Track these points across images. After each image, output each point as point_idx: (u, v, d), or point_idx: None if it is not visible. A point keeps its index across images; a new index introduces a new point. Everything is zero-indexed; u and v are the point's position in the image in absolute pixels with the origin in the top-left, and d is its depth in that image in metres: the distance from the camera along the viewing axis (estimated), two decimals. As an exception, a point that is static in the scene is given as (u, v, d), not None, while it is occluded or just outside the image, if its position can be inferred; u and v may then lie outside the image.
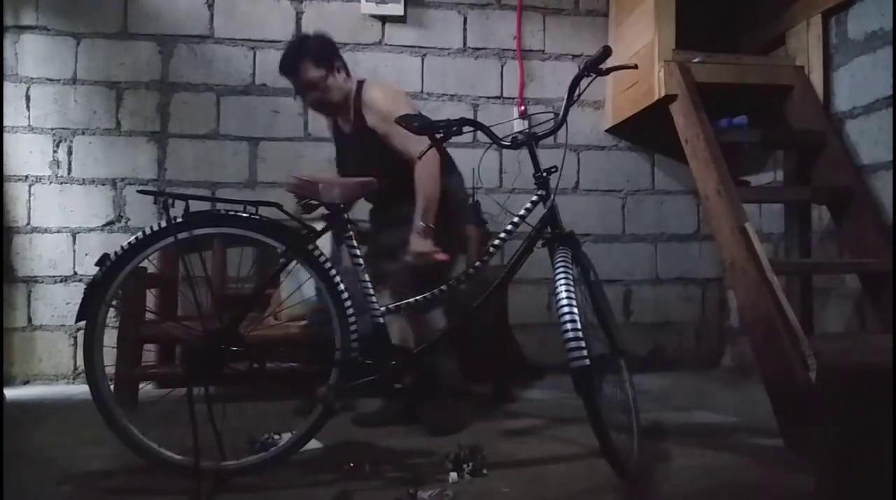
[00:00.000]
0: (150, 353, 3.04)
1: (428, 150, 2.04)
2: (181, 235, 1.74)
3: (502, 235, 1.95)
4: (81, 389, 2.70)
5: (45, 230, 3.23)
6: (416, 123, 1.89)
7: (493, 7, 3.56)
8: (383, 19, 3.47)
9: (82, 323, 1.75)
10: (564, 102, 1.98)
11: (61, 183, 3.25)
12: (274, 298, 2.78)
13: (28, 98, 3.23)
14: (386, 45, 3.48)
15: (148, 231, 1.74)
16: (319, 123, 3.39)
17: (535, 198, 1.93)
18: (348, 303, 1.83)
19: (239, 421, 1.88)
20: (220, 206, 1.82)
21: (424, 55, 3.50)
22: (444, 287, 1.95)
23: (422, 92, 3.49)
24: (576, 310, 1.63)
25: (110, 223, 3.26)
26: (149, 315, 2.81)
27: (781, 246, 3.18)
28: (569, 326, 1.60)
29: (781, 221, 3.13)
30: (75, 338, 3.22)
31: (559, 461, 2.00)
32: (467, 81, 3.53)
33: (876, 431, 1.21)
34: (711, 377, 3.38)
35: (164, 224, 1.73)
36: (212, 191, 3.32)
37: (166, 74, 3.33)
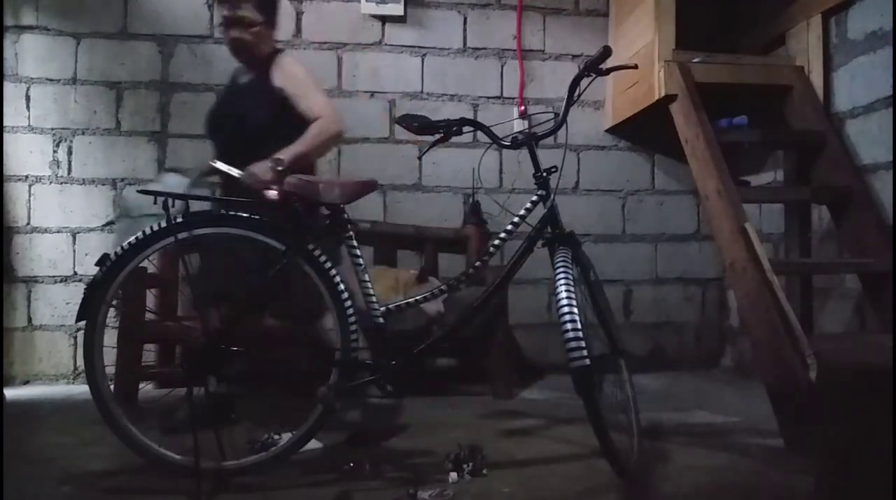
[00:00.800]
0: (150, 353, 3.04)
1: (428, 150, 2.04)
2: (181, 236, 1.74)
3: (502, 235, 1.95)
4: (81, 389, 2.70)
5: (45, 230, 3.23)
6: (416, 124, 1.89)
7: (493, 7, 3.56)
8: (383, 19, 3.47)
9: (82, 323, 1.75)
10: (564, 102, 1.98)
11: (61, 183, 3.25)
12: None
13: (28, 98, 3.23)
14: (386, 45, 3.48)
15: (148, 231, 1.74)
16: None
17: (535, 198, 1.93)
18: (348, 303, 1.83)
19: (239, 421, 1.88)
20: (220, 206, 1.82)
21: (424, 55, 3.50)
22: (443, 287, 1.96)
23: (422, 92, 3.49)
24: (576, 310, 1.63)
25: (110, 223, 3.26)
26: (149, 315, 2.81)
27: (781, 246, 3.18)
28: (569, 326, 1.61)
29: (781, 221, 3.13)
30: (75, 338, 3.22)
31: (559, 461, 2.00)
32: (467, 81, 3.52)
33: (876, 431, 1.21)
34: (711, 377, 3.38)
35: (164, 224, 1.73)
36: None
37: (166, 74, 3.33)
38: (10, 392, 2.87)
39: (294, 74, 2.26)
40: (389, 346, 1.90)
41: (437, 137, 1.94)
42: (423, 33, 3.50)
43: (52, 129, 3.25)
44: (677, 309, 3.64)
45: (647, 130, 3.40)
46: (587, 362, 1.59)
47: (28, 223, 3.22)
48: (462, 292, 2.61)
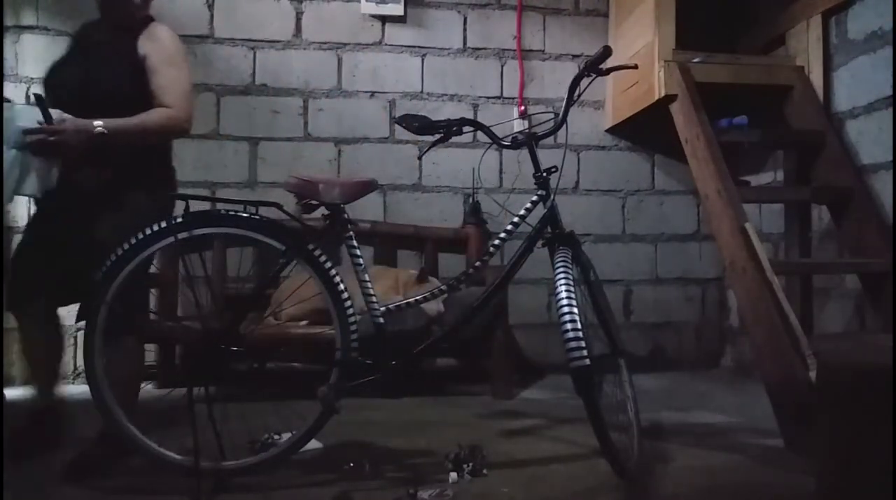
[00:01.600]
0: (150, 353, 3.03)
1: (428, 150, 2.04)
2: (181, 235, 1.74)
3: (502, 235, 1.95)
4: (81, 389, 2.69)
5: (45, 230, 3.23)
6: (416, 124, 1.89)
7: (493, 7, 3.56)
8: (383, 19, 3.47)
9: (82, 323, 1.75)
10: (564, 102, 1.98)
11: (61, 183, 3.24)
12: (274, 298, 2.78)
13: (28, 98, 3.23)
14: (386, 45, 3.48)
15: (148, 231, 1.74)
16: (318, 123, 3.40)
17: (535, 198, 1.93)
18: (348, 303, 1.83)
19: (239, 421, 1.88)
20: (220, 206, 1.82)
21: (424, 55, 3.50)
22: (443, 287, 1.96)
23: (422, 92, 3.49)
24: (576, 310, 1.63)
25: (110, 223, 3.26)
26: (149, 315, 2.80)
27: (781, 246, 3.18)
28: (569, 326, 1.61)
29: (781, 221, 3.13)
30: (75, 338, 3.21)
31: (559, 461, 2.00)
32: (467, 81, 3.52)
33: (876, 431, 1.21)
34: (711, 377, 3.38)
35: (164, 224, 1.73)
36: (212, 191, 3.32)
37: (166, 74, 3.32)
38: (10, 392, 2.87)
39: (165, 48, 2.03)
40: (389, 346, 1.90)
41: (437, 137, 1.94)
42: (423, 33, 3.50)
43: (52, 129, 3.24)
44: (677, 309, 3.64)
45: (647, 130, 3.40)
46: (587, 362, 1.59)
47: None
48: (462, 292, 2.62)
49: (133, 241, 1.73)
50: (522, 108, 3.51)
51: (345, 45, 3.44)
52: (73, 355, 3.22)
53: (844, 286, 2.78)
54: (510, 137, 2.03)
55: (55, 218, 1.96)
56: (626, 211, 3.63)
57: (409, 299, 1.97)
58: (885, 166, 2.55)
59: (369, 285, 1.88)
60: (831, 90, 2.83)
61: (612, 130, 3.59)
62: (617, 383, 2.00)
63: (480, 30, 3.54)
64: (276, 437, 1.99)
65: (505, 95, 3.55)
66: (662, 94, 2.85)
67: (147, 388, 2.84)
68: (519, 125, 3.46)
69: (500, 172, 3.53)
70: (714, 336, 3.67)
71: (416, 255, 3.41)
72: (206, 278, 2.16)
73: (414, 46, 3.49)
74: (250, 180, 3.36)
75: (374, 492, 1.73)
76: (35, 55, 3.24)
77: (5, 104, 1.87)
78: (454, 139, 1.97)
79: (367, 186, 1.95)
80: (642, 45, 3.05)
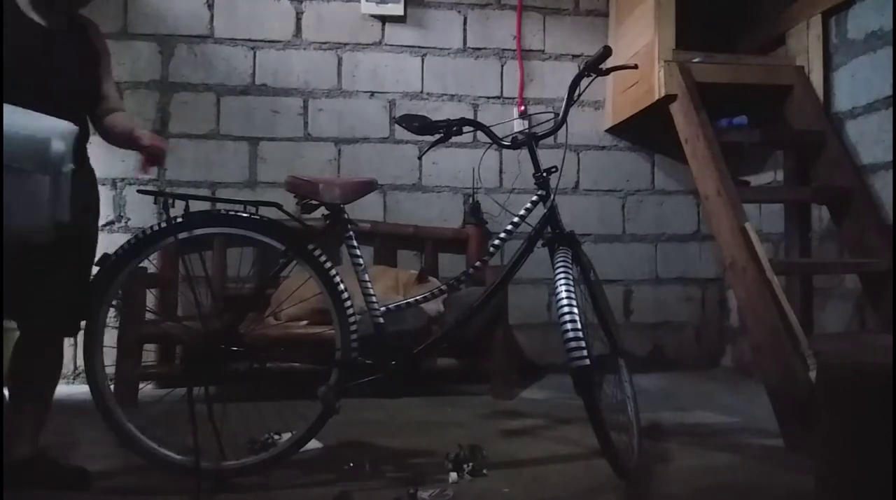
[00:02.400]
0: (150, 353, 3.04)
1: (428, 150, 2.04)
2: (181, 235, 1.74)
3: (502, 235, 1.95)
4: (81, 389, 2.69)
5: (45, 230, 3.22)
6: (416, 124, 1.89)
7: (493, 7, 3.56)
8: (383, 19, 3.47)
9: (82, 323, 1.75)
10: (564, 102, 1.98)
11: (61, 183, 3.24)
12: (274, 298, 2.78)
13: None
14: (386, 45, 3.48)
15: (148, 231, 1.74)
16: (318, 123, 3.40)
17: (535, 198, 1.93)
18: (348, 303, 1.83)
19: (239, 421, 1.88)
20: (220, 206, 1.82)
21: (424, 55, 3.50)
22: (443, 287, 1.96)
23: (422, 92, 3.49)
24: (576, 310, 1.63)
25: (110, 223, 3.26)
26: (149, 315, 2.81)
27: (781, 246, 3.18)
28: (569, 326, 1.61)
29: (781, 221, 3.13)
30: (75, 338, 3.21)
31: (559, 461, 2.00)
32: (467, 81, 3.52)
33: (876, 431, 1.21)
34: (711, 377, 3.38)
35: (164, 224, 1.73)
36: (212, 191, 3.32)
37: (166, 74, 3.33)
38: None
39: (108, 50, 1.97)
40: (389, 346, 1.90)
41: (437, 137, 1.93)
42: (423, 33, 3.50)
43: (52, 129, 3.24)
44: (677, 309, 3.64)
45: (647, 130, 3.40)
46: (587, 362, 1.59)
47: (28, 223, 3.22)
48: (462, 291, 2.62)
49: (133, 241, 1.73)
50: (522, 108, 3.51)
51: (345, 45, 3.44)
52: (73, 355, 3.22)
53: (844, 286, 2.78)
54: (510, 137, 2.03)
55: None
56: (626, 211, 3.63)
57: (409, 299, 1.97)
58: (885, 166, 2.55)
59: (369, 285, 1.88)
60: (831, 90, 2.83)
61: (612, 130, 3.59)
62: (617, 383, 2.00)
63: (480, 30, 3.54)
64: (276, 437, 1.99)
65: (505, 95, 3.55)
66: (662, 94, 2.85)
67: (147, 388, 2.84)
68: (519, 125, 3.46)
69: (500, 172, 3.53)
70: (714, 336, 3.67)
71: (416, 255, 3.41)
72: (206, 278, 2.16)
73: (414, 46, 3.49)
74: (250, 180, 3.36)
75: (374, 492, 1.73)
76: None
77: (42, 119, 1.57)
78: (454, 139, 1.97)
79: (367, 186, 1.95)
80: (642, 45, 3.05)
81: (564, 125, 1.96)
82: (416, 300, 1.97)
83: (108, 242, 3.18)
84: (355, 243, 1.88)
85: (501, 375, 2.88)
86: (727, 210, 2.48)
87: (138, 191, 1.87)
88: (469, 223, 3.39)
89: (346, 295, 1.83)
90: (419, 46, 3.50)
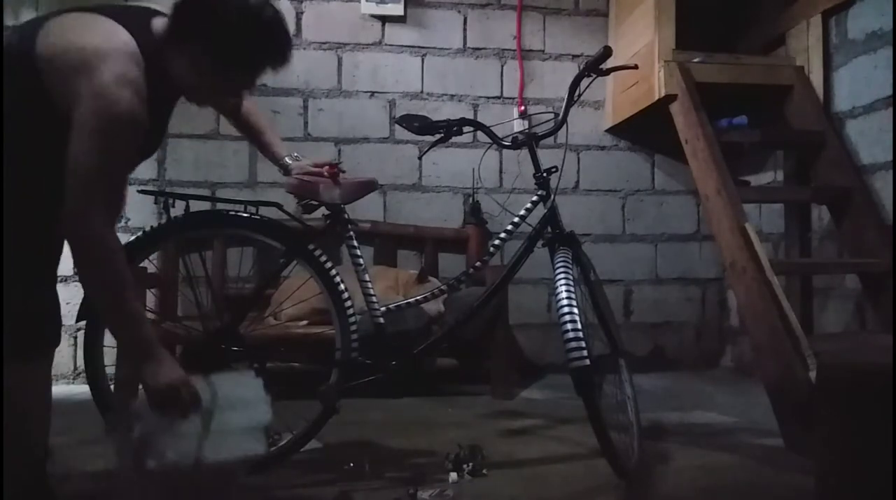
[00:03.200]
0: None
1: (428, 150, 2.04)
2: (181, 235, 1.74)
3: (502, 235, 1.96)
4: (81, 389, 2.69)
5: (45, 230, 3.23)
6: (416, 124, 1.89)
7: (493, 7, 3.56)
8: (383, 19, 3.47)
9: (82, 323, 1.75)
10: (564, 102, 1.99)
11: (61, 183, 3.24)
12: (274, 298, 2.78)
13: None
14: (386, 45, 3.48)
15: (148, 231, 1.74)
16: (318, 123, 3.39)
17: (535, 198, 1.93)
18: (349, 303, 1.83)
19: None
20: (220, 206, 1.82)
21: (424, 55, 3.50)
22: (443, 287, 1.96)
23: (422, 92, 3.49)
24: (576, 310, 1.63)
25: (110, 223, 3.26)
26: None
27: (781, 246, 3.18)
28: (569, 326, 1.61)
29: (781, 221, 3.13)
30: (75, 338, 3.22)
31: (559, 461, 2.00)
32: (467, 81, 3.52)
33: (876, 431, 1.21)
34: (711, 377, 3.38)
35: (164, 224, 1.73)
36: (212, 191, 3.32)
37: (166, 74, 3.32)
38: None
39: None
40: (389, 346, 1.91)
41: (438, 137, 1.94)
42: (423, 33, 3.50)
43: (52, 129, 3.24)
44: (677, 309, 3.64)
45: (647, 130, 3.40)
46: (587, 362, 1.59)
47: (28, 223, 3.22)
48: (462, 291, 2.62)
49: (133, 241, 1.73)
50: (522, 108, 3.51)
51: (345, 45, 3.44)
52: (73, 355, 3.22)
53: (844, 286, 2.78)
54: (510, 137, 2.03)
55: None
56: (626, 211, 3.63)
57: (409, 299, 1.97)
58: (885, 166, 2.55)
59: (369, 285, 1.88)
60: (831, 90, 2.83)
61: (612, 130, 3.58)
62: (617, 383, 2.00)
63: (480, 30, 3.54)
64: (276, 437, 1.99)
65: (505, 95, 3.55)
66: (662, 94, 2.85)
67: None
68: (519, 125, 3.45)
69: (501, 172, 3.53)
70: (714, 336, 3.67)
71: (416, 255, 3.41)
72: (206, 278, 2.16)
73: (414, 46, 3.49)
74: (250, 180, 3.36)
75: (374, 492, 1.73)
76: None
77: None
78: (454, 139, 1.97)
79: (368, 187, 1.96)
80: (642, 45, 3.05)
81: (564, 125, 1.96)
82: (416, 300, 1.97)
83: (108, 242, 3.20)
84: (355, 243, 1.88)
85: (501, 375, 2.88)
86: (727, 210, 2.48)
87: (139, 191, 1.87)
88: (469, 223, 3.39)
89: (346, 295, 1.83)
90: (419, 46, 3.49)
